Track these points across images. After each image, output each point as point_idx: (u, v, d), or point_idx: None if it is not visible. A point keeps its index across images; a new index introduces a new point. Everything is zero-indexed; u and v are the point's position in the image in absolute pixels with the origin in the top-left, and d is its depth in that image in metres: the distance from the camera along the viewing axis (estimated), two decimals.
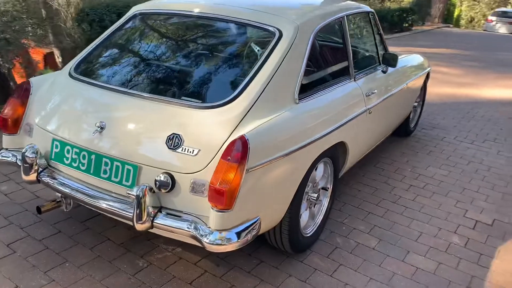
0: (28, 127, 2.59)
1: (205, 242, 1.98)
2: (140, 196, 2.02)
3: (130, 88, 2.37)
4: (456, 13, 28.69)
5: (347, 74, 3.02)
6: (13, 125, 2.62)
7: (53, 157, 2.43)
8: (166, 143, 2.11)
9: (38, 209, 2.53)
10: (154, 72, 2.56)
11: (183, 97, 2.28)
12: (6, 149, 2.67)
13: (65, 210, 2.64)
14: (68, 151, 2.36)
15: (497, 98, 7.15)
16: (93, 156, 2.26)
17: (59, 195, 2.58)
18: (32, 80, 2.71)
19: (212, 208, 1.99)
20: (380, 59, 3.54)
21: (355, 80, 3.07)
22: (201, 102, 2.23)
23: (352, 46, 3.06)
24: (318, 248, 2.84)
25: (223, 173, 1.94)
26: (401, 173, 4.05)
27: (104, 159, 2.23)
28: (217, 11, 2.68)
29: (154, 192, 2.10)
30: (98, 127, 2.25)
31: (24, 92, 2.64)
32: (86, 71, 2.63)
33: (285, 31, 2.47)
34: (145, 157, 2.14)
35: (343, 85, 2.92)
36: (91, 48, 2.79)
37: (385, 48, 3.69)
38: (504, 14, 26.63)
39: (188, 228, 2.01)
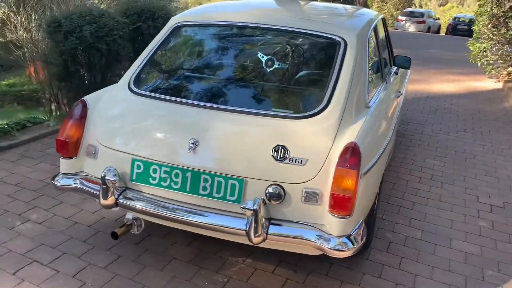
0: (93, 149, 2.44)
1: (328, 248, 2.03)
2: (257, 209, 2.02)
3: (213, 103, 2.34)
4: None
5: (382, 77, 3.20)
6: (72, 148, 2.45)
7: (134, 178, 2.32)
8: (272, 155, 2.13)
9: (115, 235, 2.39)
10: (231, 86, 2.54)
11: (272, 109, 2.30)
12: (65, 174, 2.50)
13: (136, 232, 2.53)
14: (154, 171, 2.26)
15: (447, 92, 7.82)
16: (188, 174, 2.20)
17: (130, 217, 2.47)
18: (87, 98, 2.56)
19: (333, 215, 2.04)
20: (392, 61, 3.78)
21: (386, 82, 3.26)
22: (292, 113, 2.27)
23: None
24: (374, 244, 2.98)
25: (343, 180, 2.01)
26: (406, 167, 4.33)
27: (203, 176, 2.18)
28: (272, 22, 2.71)
29: (265, 204, 2.10)
30: (192, 144, 2.19)
31: (81, 112, 2.49)
32: (151, 87, 2.54)
33: (349, 40, 2.57)
34: (251, 171, 2.13)
35: (382, 88, 3.09)
36: (143, 62, 2.67)
37: (392, 51, 3.94)
38: (412, 14, 28.92)
39: (316, 238, 2.04)
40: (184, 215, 2.18)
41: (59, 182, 2.49)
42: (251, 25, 2.75)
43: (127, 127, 2.40)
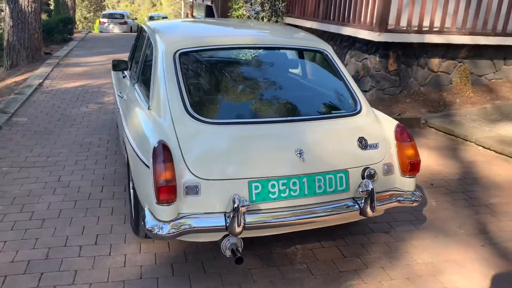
0: (194, 186, 2.40)
1: (410, 202, 2.79)
2: (373, 188, 2.59)
3: (293, 116, 2.71)
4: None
5: None
6: (173, 192, 2.35)
7: (254, 199, 2.45)
8: (359, 146, 2.70)
9: (241, 260, 2.45)
10: (283, 99, 2.86)
11: (333, 112, 2.83)
12: (170, 220, 2.36)
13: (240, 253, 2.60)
14: (273, 186, 2.48)
15: None
16: (304, 179, 2.53)
17: (235, 241, 2.53)
18: (163, 138, 2.43)
19: (407, 177, 2.79)
20: None
21: None
22: (346, 112, 2.86)
23: None
24: None
25: (410, 150, 2.78)
26: None
27: (316, 177, 2.55)
28: (263, 41, 3.14)
29: None
30: (299, 153, 2.52)
31: (168, 153, 2.38)
32: (221, 114, 2.64)
33: (329, 50, 3.26)
34: (350, 162, 2.65)
35: None
36: (183, 92, 2.65)
37: None
38: (112, 16, 29.45)
39: (406, 198, 2.75)
40: (316, 214, 2.52)
41: (166, 231, 2.33)
42: (248, 46, 3.10)
43: (229, 155, 2.47)
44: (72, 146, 4.99)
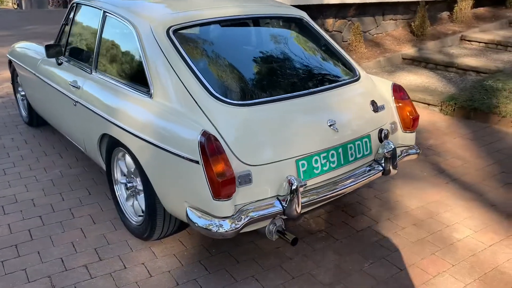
0: (246, 175, 2.23)
1: (415, 153, 2.99)
2: (395, 147, 2.71)
3: (318, 87, 2.67)
4: None
5: None
6: (234, 184, 2.16)
7: (302, 177, 2.38)
8: (372, 109, 2.77)
9: (296, 240, 2.38)
10: (295, 72, 2.75)
11: (340, 80, 2.83)
12: (230, 216, 2.17)
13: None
14: (316, 161, 2.43)
15: None
16: (340, 150, 2.53)
17: (280, 223, 2.45)
18: (205, 129, 2.18)
19: (407, 132, 2.97)
20: None
21: None
22: (350, 78, 2.89)
23: None
24: None
25: (409, 107, 2.95)
26: None
27: (348, 146, 2.58)
28: (249, 12, 2.97)
29: None
30: (331, 124, 2.50)
31: (218, 144, 2.16)
32: (242, 95, 2.46)
33: (306, 16, 3.24)
34: (369, 126, 2.72)
35: None
36: (199, 74, 2.40)
37: None
38: None
39: (414, 151, 2.93)
40: (352, 181, 2.55)
41: (228, 228, 2.14)
42: (236, 17, 2.90)
43: (271, 136, 2.33)
44: None
